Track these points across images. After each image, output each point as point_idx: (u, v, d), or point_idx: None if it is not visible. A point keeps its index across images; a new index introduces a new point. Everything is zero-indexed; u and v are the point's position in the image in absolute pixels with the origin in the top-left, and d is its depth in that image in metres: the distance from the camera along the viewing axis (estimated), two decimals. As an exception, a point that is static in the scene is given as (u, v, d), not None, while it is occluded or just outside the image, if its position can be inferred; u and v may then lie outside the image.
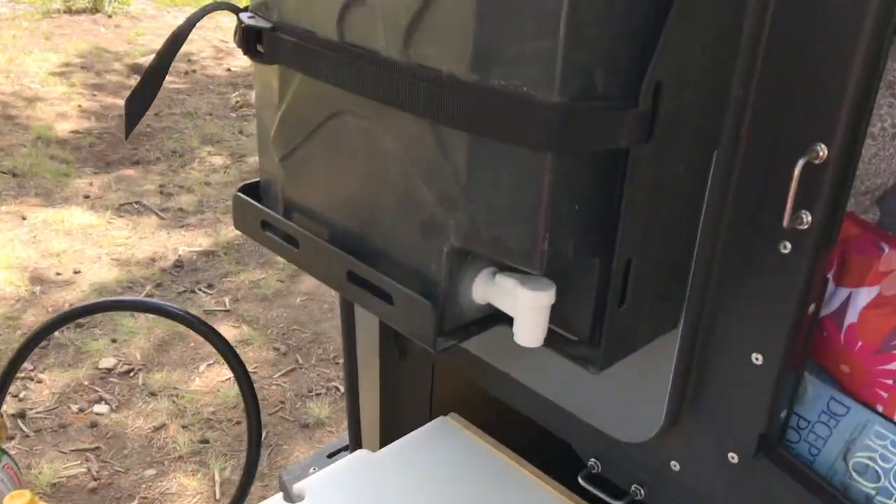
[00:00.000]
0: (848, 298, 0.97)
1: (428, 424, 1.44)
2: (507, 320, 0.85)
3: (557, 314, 0.84)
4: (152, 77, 0.90)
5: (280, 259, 3.87)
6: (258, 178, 1.05)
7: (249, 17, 0.92)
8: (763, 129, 0.81)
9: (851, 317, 0.97)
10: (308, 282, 3.81)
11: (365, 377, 1.56)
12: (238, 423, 2.94)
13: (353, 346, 1.55)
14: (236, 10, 0.94)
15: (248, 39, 0.92)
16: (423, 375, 1.47)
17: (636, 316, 0.85)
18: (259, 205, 1.02)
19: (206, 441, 2.85)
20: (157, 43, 7.03)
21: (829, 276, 0.96)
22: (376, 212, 0.88)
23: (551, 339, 0.85)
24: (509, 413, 1.24)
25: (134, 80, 6.09)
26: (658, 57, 0.70)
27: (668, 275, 0.87)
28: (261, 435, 1.54)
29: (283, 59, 0.90)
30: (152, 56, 0.93)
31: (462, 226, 0.79)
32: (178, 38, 0.91)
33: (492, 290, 0.85)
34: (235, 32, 0.94)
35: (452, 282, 0.84)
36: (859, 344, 0.97)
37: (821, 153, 0.78)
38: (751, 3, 0.76)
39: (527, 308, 0.81)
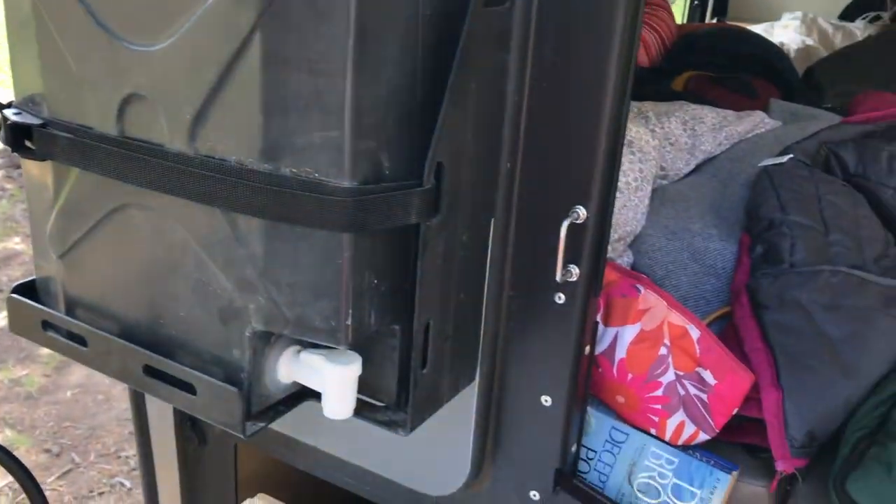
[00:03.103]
0: (616, 337, 1.09)
1: None
2: (315, 395, 0.87)
3: (363, 383, 0.87)
4: None
5: (44, 351, 3.57)
6: (34, 278, 0.99)
7: (15, 114, 0.88)
8: (530, 197, 0.91)
9: (621, 352, 1.09)
10: (78, 372, 3.52)
11: (162, 469, 1.49)
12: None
13: (148, 439, 1.47)
14: (-1, 107, 0.89)
15: (16, 136, 0.88)
16: (225, 460, 1.43)
17: (438, 375, 0.90)
18: (38, 304, 0.96)
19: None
20: None
21: (598, 318, 1.07)
22: (170, 302, 0.87)
23: (359, 408, 0.88)
24: (319, 485, 1.24)
25: None
26: (436, 141, 0.76)
27: (463, 332, 0.93)
28: None
29: (57, 155, 0.87)
30: None
31: (263, 309, 0.81)
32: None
33: (298, 368, 0.86)
34: (0, 128, 0.89)
35: (257, 365, 0.84)
36: (630, 376, 1.09)
37: (581, 214, 0.89)
38: (510, 94, 0.86)
39: (335, 383, 0.83)
